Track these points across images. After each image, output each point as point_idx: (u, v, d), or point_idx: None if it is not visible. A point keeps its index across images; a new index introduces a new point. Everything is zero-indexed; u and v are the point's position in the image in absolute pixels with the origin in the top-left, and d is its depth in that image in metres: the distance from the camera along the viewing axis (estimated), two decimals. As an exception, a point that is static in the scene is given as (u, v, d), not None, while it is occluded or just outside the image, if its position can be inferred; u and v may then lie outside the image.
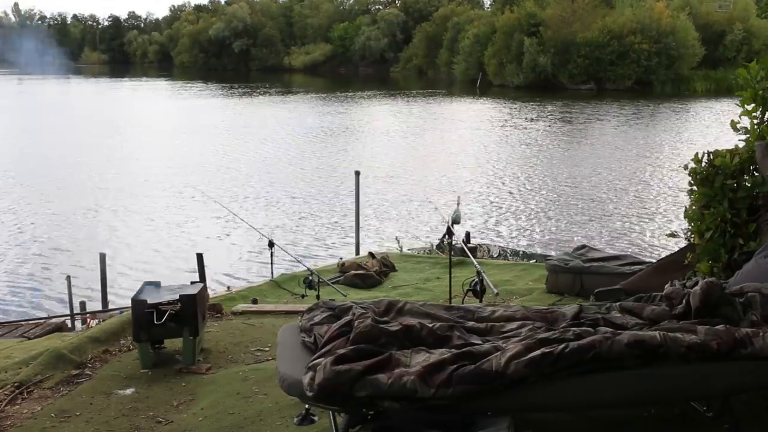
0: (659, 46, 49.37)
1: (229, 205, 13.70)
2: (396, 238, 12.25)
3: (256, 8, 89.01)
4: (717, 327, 2.69)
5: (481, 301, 4.89)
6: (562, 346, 2.56)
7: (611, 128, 30.39)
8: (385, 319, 2.97)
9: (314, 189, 18.72)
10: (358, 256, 10.04)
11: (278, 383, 2.80)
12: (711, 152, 4.31)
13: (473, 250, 9.57)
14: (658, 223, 14.76)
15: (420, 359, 2.59)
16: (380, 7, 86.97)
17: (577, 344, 2.57)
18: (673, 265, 4.85)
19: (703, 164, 4.30)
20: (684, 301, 3.01)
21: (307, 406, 3.16)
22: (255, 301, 6.89)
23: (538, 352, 2.54)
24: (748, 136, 4.31)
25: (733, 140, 4.47)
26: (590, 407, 2.87)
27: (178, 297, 4.32)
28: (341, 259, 9.82)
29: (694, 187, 4.40)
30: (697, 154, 4.35)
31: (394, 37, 78.53)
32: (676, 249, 5.29)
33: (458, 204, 5.88)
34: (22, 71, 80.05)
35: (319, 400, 2.54)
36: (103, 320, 6.83)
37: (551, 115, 35.75)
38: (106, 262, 10.41)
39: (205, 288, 4.96)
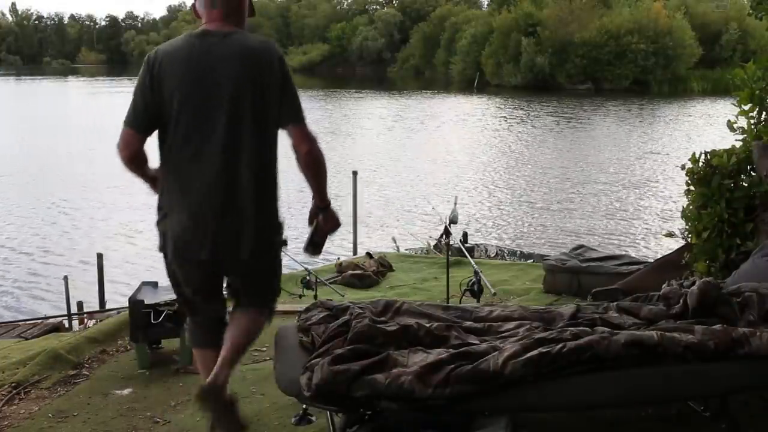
0: (656, 46, 49.47)
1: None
2: (393, 239, 12.25)
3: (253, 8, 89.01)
4: (714, 327, 2.70)
5: (478, 301, 4.90)
6: (560, 346, 2.57)
7: (609, 128, 30.42)
8: (382, 319, 2.97)
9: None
10: (355, 256, 10.03)
11: (276, 383, 2.80)
12: (708, 152, 4.32)
13: (471, 250, 9.56)
14: (655, 223, 14.77)
15: (417, 359, 2.59)
16: (377, 7, 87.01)
17: (574, 344, 2.57)
18: (670, 264, 4.85)
19: (701, 164, 4.31)
20: (681, 300, 3.01)
21: (304, 406, 3.16)
22: (252, 301, 6.87)
23: (535, 352, 2.54)
24: (745, 135, 4.32)
25: (730, 140, 4.47)
26: (588, 407, 2.87)
27: (175, 297, 4.31)
28: (339, 259, 9.82)
29: (692, 187, 4.41)
30: (694, 154, 4.35)
31: (391, 37, 78.57)
32: (674, 249, 5.30)
33: (455, 204, 5.88)
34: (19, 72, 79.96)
35: (317, 401, 2.54)
36: (101, 320, 6.82)
37: (549, 115, 35.78)
38: (104, 262, 10.40)
39: (202, 288, 4.96)
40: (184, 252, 2.65)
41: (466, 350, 2.63)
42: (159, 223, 2.72)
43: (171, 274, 2.82)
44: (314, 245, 2.97)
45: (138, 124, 2.60)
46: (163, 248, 2.72)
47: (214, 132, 2.58)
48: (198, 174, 2.59)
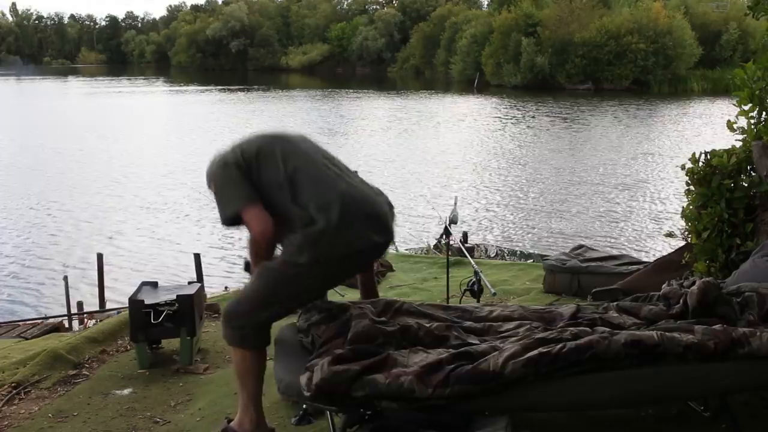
0: (656, 45, 49.48)
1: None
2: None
3: (253, 8, 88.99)
4: (714, 327, 2.69)
5: (478, 301, 4.89)
6: (560, 346, 2.56)
7: (609, 128, 30.42)
8: (382, 319, 2.97)
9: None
10: (355, 256, 10.00)
11: (276, 384, 2.80)
12: (708, 152, 4.32)
13: (471, 249, 9.56)
14: (655, 223, 14.78)
15: (417, 359, 2.59)
16: (377, 7, 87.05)
17: (574, 344, 2.57)
18: (670, 265, 4.85)
19: (701, 164, 4.31)
20: (681, 300, 3.00)
21: (305, 406, 3.16)
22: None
23: (535, 352, 2.54)
24: (745, 135, 4.31)
25: (730, 140, 4.47)
26: (588, 407, 2.87)
27: (175, 297, 4.32)
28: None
29: (692, 187, 4.41)
30: (694, 154, 4.35)
31: (391, 37, 78.59)
32: (674, 249, 5.30)
33: (456, 204, 5.88)
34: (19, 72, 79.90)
35: (317, 401, 2.54)
36: (101, 320, 6.83)
37: (549, 114, 35.78)
38: (104, 262, 10.41)
39: (202, 288, 4.96)
40: (360, 240, 2.86)
41: (466, 350, 2.63)
42: (309, 229, 2.82)
43: (309, 278, 2.87)
44: None
45: (256, 197, 2.84)
46: (311, 252, 2.81)
47: (327, 161, 3.01)
48: (340, 180, 2.95)
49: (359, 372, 2.49)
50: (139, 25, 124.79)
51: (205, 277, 9.83)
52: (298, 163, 2.91)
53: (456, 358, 2.57)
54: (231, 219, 2.87)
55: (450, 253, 6.45)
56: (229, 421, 3.02)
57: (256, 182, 2.88)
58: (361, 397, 2.49)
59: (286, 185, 2.86)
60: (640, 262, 6.13)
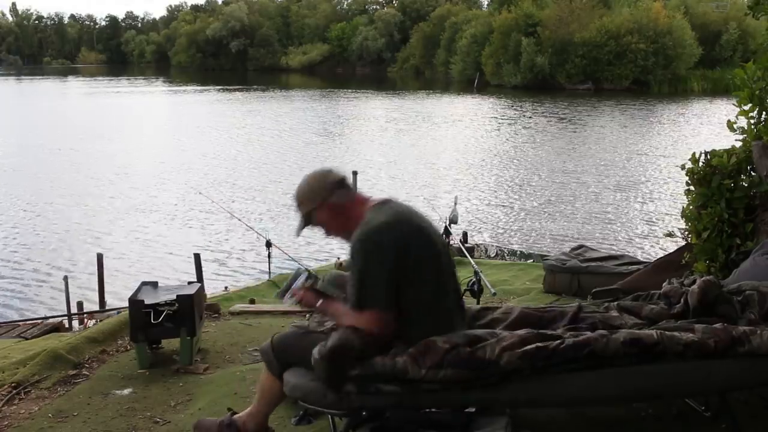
0: (656, 45, 49.49)
1: (226, 206, 13.72)
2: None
3: (253, 8, 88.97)
4: (715, 325, 2.69)
5: (478, 302, 4.89)
6: (558, 341, 2.57)
7: (609, 128, 30.42)
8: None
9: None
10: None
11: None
12: (708, 152, 4.32)
13: (470, 249, 9.57)
14: (655, 223, 14.78)
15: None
16: (377, 7, 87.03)
17: (572, 341, 2.57)
18: (670, 264, 4.85)
19: (701, 164, 4.31)
20: (682, 299, 3.00)
21: (306, 406, 3.16)
22: (252, 302, 6.88)
23: (532, 345, 2.54)
24: (745, 135, 4.31)
25: (730, 140, 4.47)
26: (587, 403, 2.88)
27: (175, 297, 4.32)
28: (339, 259, 9.82)
29: (692, 187, 4.41)
30: (694, 154, 4.35)
31: (391, 37, 78.57)
32: (674, 249, 5.30)
33: (455, 204, 5.89)
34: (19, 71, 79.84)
35: (328, 361, 2.53)
36: (101, 320, 6.83)
37: (549, 114, 35.78)
38: (104, 262, 10.41)
39: (202, 288, 4.96)
40: None
41: (464, 333, 2.64)
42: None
43: None
44: None
45: (393, 305, 2.59)
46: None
47: (451, 277, 2.82)
48: (458, 314, 2.77)
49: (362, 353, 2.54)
50: (139, 25, 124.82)
51: (205, 277, 9.84)
52: (443, 292, 2.70)
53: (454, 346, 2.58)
54: (358, 304, 2.59)
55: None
56: (232, 413, 3.03)
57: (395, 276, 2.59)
58: (356, 377, 2.50)
59: (433, 306, 2.65)
60: (640, 262, 6.13)
